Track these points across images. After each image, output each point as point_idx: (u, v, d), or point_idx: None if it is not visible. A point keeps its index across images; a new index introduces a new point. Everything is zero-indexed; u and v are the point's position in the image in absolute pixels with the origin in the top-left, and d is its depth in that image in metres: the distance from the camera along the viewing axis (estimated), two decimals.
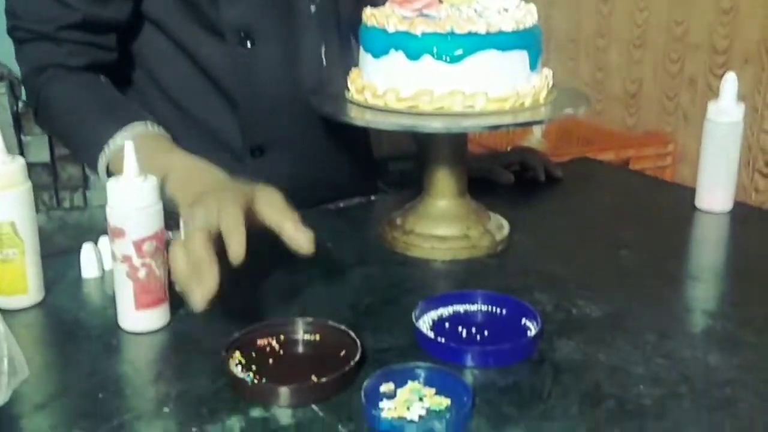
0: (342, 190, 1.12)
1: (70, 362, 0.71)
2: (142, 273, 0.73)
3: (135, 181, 0.72)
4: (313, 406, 0.63)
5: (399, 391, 0.63)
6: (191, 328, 0.75)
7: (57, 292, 0.83)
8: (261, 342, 0.71)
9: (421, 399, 0.62)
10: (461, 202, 0.93)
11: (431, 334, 0.72)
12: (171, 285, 0.74)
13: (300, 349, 0.71)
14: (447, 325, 0.74)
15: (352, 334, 0.70)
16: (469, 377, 0.67)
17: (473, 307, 0.77)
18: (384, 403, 0.62)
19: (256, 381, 0.65)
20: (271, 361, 0.68)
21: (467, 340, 0.71)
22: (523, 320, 0.74)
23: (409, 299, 0.79)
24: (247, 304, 0.79)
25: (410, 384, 0.64)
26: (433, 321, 0.74)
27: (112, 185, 0.72)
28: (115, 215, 0.72)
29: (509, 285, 0.83)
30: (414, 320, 0.72)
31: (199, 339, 0.73)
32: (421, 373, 0.65)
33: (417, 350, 0.71)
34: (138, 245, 0.72)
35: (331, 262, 0.88)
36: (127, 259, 0.73)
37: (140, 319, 0.75)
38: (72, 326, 0.77)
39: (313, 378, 0.65)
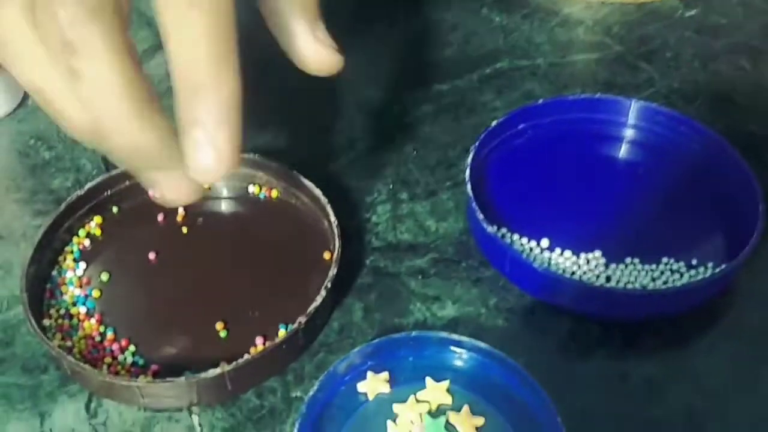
0: None
1: None
2: None
3: None
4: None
5: (399, 406, 0.26)
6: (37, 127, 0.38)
7: None
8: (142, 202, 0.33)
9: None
10: None
11: (493, 230, 0.32)
12: None
13: (222, 227, 0.33)
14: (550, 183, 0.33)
15: (330, 213, 0.31)
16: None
17: (620, 131, 0.35)
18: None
19: (88, 341, 0.29)
20: (153, 256, 0.32)
21: (582, 236, 0.31)
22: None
23: (490, 98, 0.38)
24: None
25: (427, 387, 0.27)
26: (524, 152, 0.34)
27: None
28: None
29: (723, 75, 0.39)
30: (467, 174, 0.32)
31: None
32: (456, 356, 0.27)
33: (473, 248, 0.32)
34: None
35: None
36: None
37: None
38: None
39: (218, 327, 0.29)
